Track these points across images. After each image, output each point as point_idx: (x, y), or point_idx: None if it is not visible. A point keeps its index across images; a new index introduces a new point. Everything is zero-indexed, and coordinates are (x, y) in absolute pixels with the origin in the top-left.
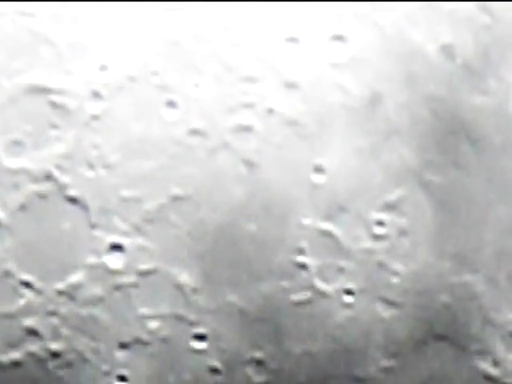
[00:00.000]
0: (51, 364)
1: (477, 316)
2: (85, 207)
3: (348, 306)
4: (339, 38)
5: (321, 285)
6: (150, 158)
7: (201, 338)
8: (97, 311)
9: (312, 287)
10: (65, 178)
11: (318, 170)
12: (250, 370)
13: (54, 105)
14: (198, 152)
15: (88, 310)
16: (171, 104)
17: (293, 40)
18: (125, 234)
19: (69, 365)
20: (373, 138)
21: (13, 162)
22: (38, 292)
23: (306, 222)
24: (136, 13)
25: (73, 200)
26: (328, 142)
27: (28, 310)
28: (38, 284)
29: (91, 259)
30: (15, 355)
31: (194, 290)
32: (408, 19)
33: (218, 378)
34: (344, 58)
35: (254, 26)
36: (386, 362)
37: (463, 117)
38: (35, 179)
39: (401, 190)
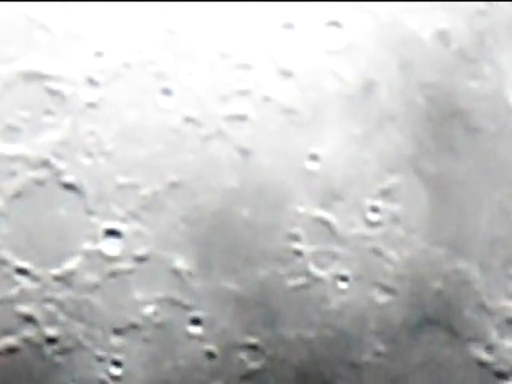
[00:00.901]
0: (47, 350)
1: (470, 302)
2: (81, 194)
3: (342, 291)
4: (334, 24)
5: (316, 271)
6: (146, 145)
7: (196, 322)
8: (93, 297)
9: (307, 273)
10: (61, 165)
11: (313, 157)
12: (244, 355)
13: (50, 91)
14: (194, 139)
15: (84, 296)
16: (167, 92)
17: (288, 26)
18: (121, 220)
19: (64, 350)
20: (367, 126)
21: (9, 149)
22: (34, 278)
23: (301, 208)
24: (132, 0)
25: (69, 186)
26: (323, 129)
27: (24, 297)
28: (34, 270)
29: (87, 245)
30: (11, 341)
31: (190, 276)
32: (403, 6)
33: (214, 362)
34: (339, 45)
35: (249, 13)
36: (380, 348)
37: (458, 103)
38: (32, 166)
39: (395, 177)
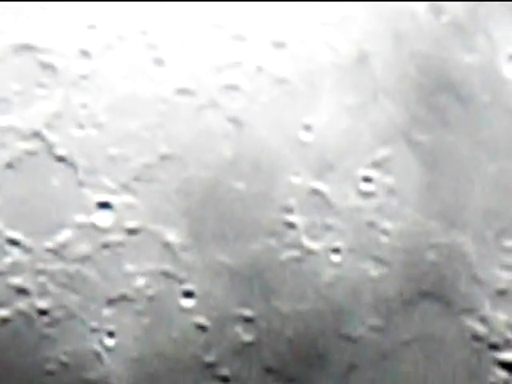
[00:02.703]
0: (39, 321)
1: (464, 274)
2: (73, 166)
3: (336, 264)
4: None
5: (309, 243)
6: (138, 116)
7: (189, 295)
8: (85, 269)
9: (300, 246)
10: (53, 137)
11: (307, 128)
12: (238, 328)
13: (42, 64)
14: (186, 111)
15: (76, 267)
16: (159, 62)
17: None
18: (113, 192)
19: (57, 322)
20: (361, 97)
21: (1, 120)
22: (26, 250)
23: (294, 180)
24: None
25: (61, 158)
26: (316, 100)
27: (16, 268)
28: (26, 242)
29: (79, 217)
30: (3, 313)
31: (182, 248)
32: None
33: (206, 335)
34: (333, 16)
35: None
36: (374, 320)
37: (451, 74)
38: (23, 137)
39: (389, 148)
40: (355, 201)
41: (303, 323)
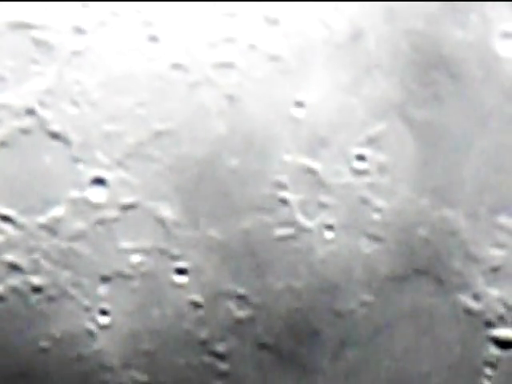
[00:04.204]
0: (33, 298)
1: (457, 250)
2: (67, 142)
3: (329, 241)
4: None
5: (302, 220)
6: (132, 93)
7: (182, 272)
8: (78, 245)
9: (294, 222)
10: (47, 113)
11: (300, 104)
12: (231, 305)
13: (35, 40)
14: (180, 87)
15: (70, 244)
16: (153, 39)
17: None
18: (107, 168)
19: (50, 299)
20: (354, 73)
21: None
22: (20, 226)
23: (288, 156)
24: None
25: (55, 135)
26: (309, 77)
27: (9, 245)
28: (19, 218)
29: (73, 193)
30: None
31: (176, 224)
32: None
33: (200, 312)
34: None
35: None
36: (366, 297)
37: (444, 51)
38: (17, 114)
39: (382, 124)
40: (348, 177)
41: (296, 299)
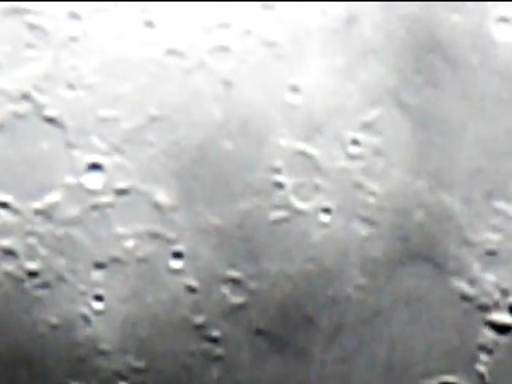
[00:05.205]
0: (28, 284)
1: (453, 235)
2: (62, 127)
3: (325, 224)
4: None
5: (297, 203)
6: (128, 78)
7: (178, 256)
8: (74, 231)
9: (289, 206)
10: (42, 98)
11: (295, 89)
12: (226, 289)
13: (31, 25)
14: (176, 72)
15: (65, 229)
16: (149, 24)
17: None
18: (103, 153)
19: (45, 284)
20: (349, 58)
21: None
22: (15, 212)
23: (283, 141)
24: None
25: (50, 120)
26: (305, 62)
27: (4, 230)
28: (14, 204)
29: (69, 179)
30: None
31: (172, 209)
32: None
33: (195, 296)
34: None
35: None
36: (362, 281)
37: (439, 35)
38: (12, 99)
39: (377, 109)
40: (343, 162)
41: (291, 284)
